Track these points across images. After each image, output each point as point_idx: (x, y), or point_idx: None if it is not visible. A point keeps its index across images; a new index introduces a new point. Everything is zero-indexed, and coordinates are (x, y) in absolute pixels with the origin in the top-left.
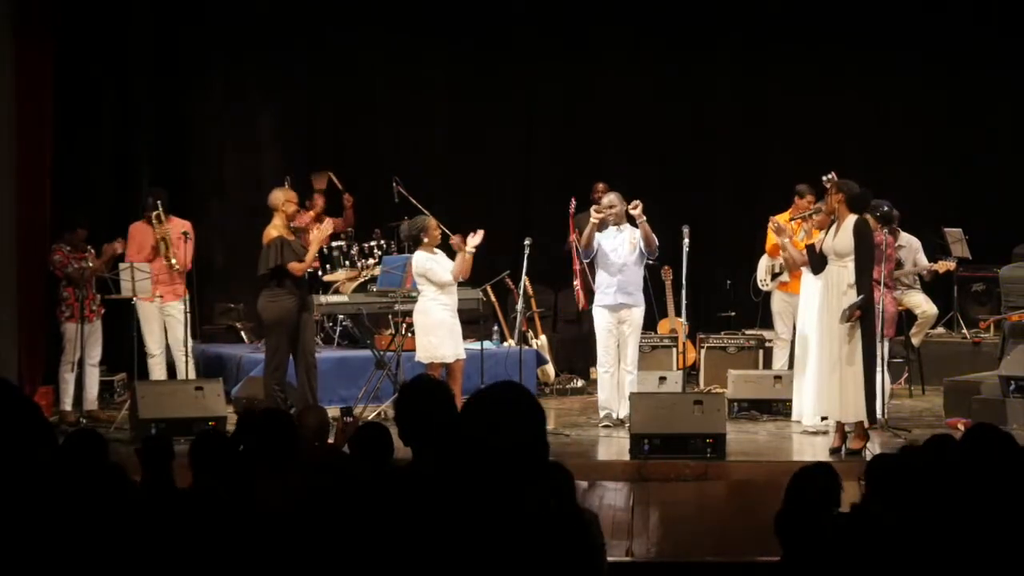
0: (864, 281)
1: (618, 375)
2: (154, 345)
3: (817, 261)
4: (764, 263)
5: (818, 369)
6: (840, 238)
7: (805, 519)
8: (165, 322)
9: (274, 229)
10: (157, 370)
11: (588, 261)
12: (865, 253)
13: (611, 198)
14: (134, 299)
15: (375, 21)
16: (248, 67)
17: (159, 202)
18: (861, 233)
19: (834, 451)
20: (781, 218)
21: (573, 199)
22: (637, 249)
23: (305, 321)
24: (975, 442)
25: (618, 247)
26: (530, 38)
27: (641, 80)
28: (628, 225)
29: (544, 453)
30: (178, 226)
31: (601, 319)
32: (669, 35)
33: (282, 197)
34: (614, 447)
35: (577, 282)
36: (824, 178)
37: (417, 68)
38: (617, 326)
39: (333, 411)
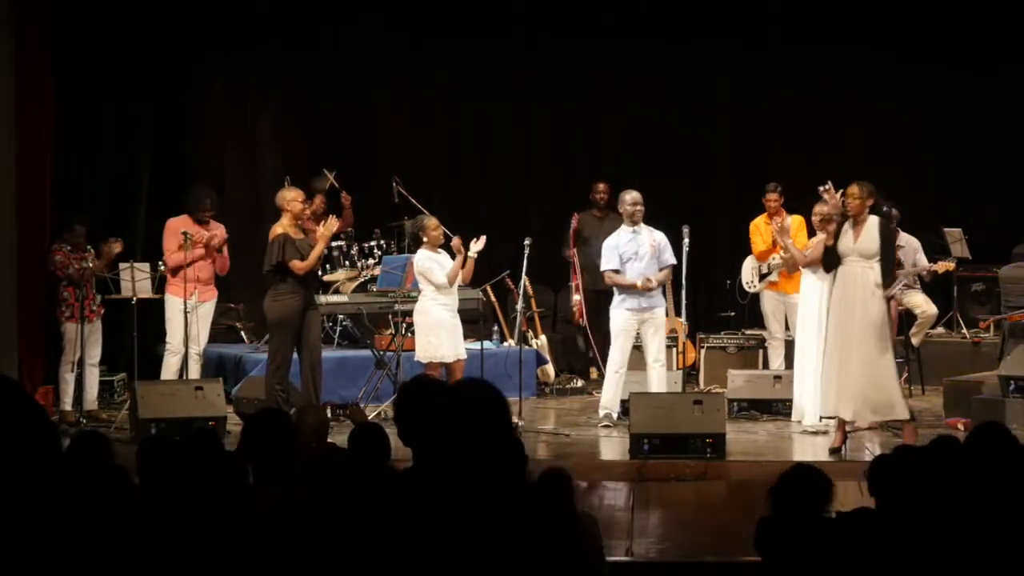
0: (890, 280)
1: (625, 376)
2: (177, 342)
3: (833, 260)
4: (749, 265)
5: (844, 370)
6: (865, 239)
7: (785, 524)
8: (190, 320)
9: (279, 227)
10: (172, 368)
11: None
12: (892, 253)
13: (635, 196)
14: (166, 295)
15: (375, 20)
16: (248, 67)
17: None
18: (886, 233)
19: (834, 451)
20: (761, 220)
21: (576, 215)
22: (656, 251)
23: (311, 319)
24: (981, 441)
25: (638, 248)
26: (530, 38)
27: (641, 80)
28: (644, 226)
29: (515, 445)
30: (219, 228)
31: (621, 320)
32: (669, 35)
33: (288, 196)
34: (614, 447)
35: (578, 296)
36: (821, 188)
37: (417, 68)
38: (639, 325)
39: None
